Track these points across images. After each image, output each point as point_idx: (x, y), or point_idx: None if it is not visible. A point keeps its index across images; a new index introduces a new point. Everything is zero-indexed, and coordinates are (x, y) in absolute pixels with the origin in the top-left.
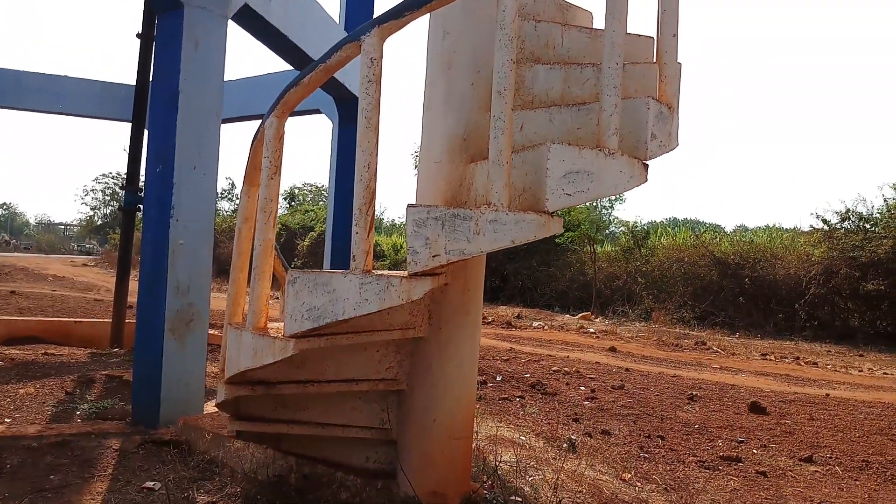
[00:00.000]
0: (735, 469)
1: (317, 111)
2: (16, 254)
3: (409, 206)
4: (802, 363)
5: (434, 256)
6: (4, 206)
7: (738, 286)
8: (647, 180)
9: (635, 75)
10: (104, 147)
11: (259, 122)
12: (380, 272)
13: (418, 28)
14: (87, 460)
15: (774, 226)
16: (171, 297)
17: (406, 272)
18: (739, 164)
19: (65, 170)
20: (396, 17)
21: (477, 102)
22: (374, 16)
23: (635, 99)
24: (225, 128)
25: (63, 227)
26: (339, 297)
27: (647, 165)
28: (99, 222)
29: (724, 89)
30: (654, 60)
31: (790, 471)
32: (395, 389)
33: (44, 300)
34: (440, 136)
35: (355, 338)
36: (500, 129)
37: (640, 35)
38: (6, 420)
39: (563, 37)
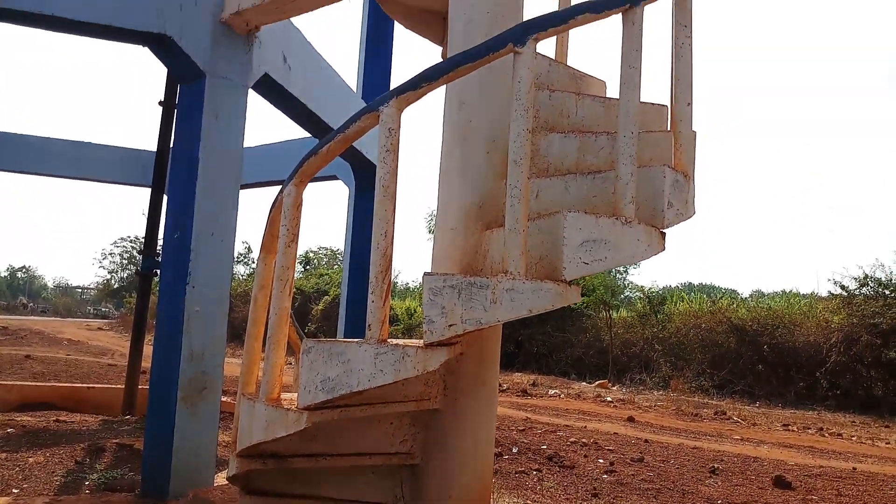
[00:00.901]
0: None
1: (333, 177)
2: (33, 317)
3: (426, 274)
4: (826, 434)
5: (450, 326)
6: (24, 270)
7: (757, 353)
8: (664, 249)
9: (650, 143)
10: (123, 211)
11: (277, 187)
12: (395, 342)
13: (435, 97)
14: None
15: (791, 291)
16: (184, 364)
17: (421, 341)
18: (754, 228)
19: (84, 233)
20: (414, 89)
21: (492, 171)
22: (391, 84)
23: (651, 167)
24: (242, 193)
25: (80, 290)
26: (353, 367)
27: (665, 234)
28: (116, 286)
29: (737, 153)
30: (669, 128)
31: None
32: (410, 463)
33: (58, 365)
34: (456, 204)
35: (370, 409)
36: (517, 197)
37: (653, 103)
38: (14, 490)
39: (577, 106)
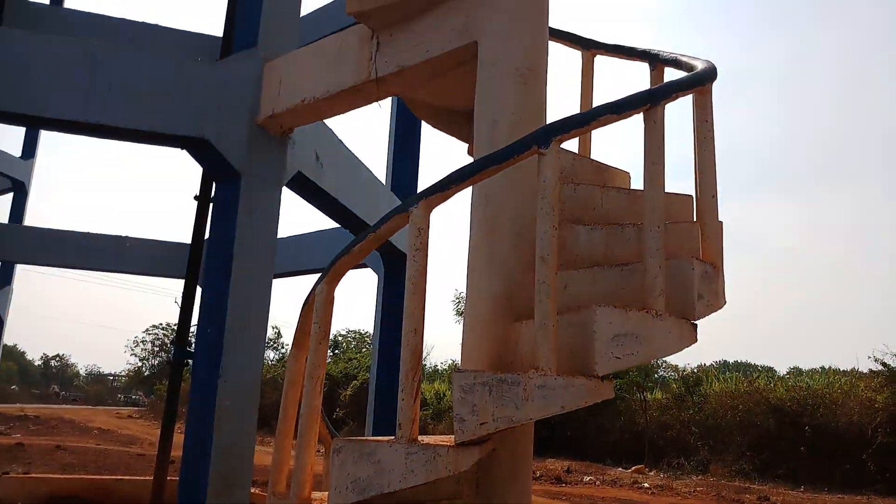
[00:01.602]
0: None
1: (363, 266)
2: (64, 405)
3: (456, 371)
4: None
5: (482, 424)
6: (57, 358)
7: (799, 435)
8: (696, 340)
9: (677, 234)
10: (155, 299)
11: (307, 276)
12: (426, 440)
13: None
14: None
15: (830, 368)
16: (215, 459)
17: (452, 438)
18: (789, 304)
19: (116, 322)
20: (442, 191)
21: (520, 264)
22: (420, 175)
23: (680, 260)
24: (274, 282)
25: (112, 377)
26: (384, 468)
27: (696, 325)
28: (147, 373)
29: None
30: (694, 218)
31: None
32: None
33: (87, 455)
34: (485, 297)
35: None
36: (545, 293)
37: (678, 194)
38: None
39: (602, 198)
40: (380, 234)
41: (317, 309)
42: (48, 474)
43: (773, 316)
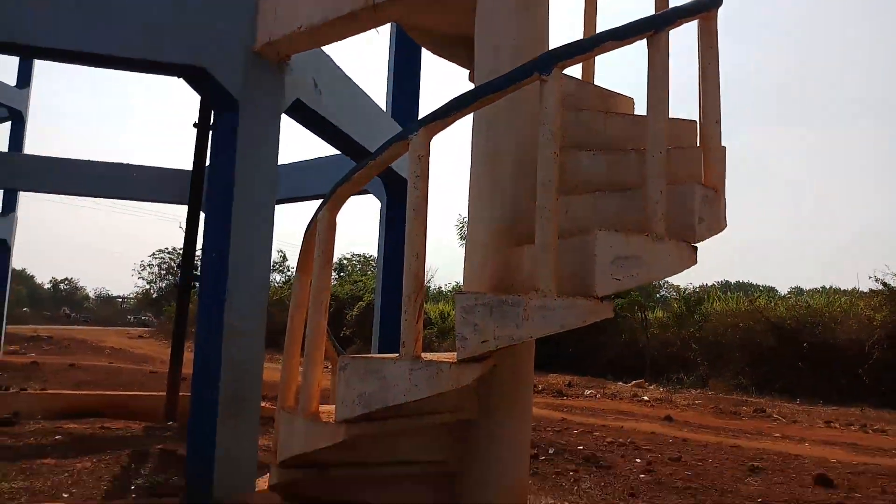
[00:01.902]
0: None
1: (365, 192)
2: (76, 326)
3: (457, 293)
4: (870, 431)
5: (483, 342)
6: (66, 282)
7: (797, 351)
8: (696, 262)
9: (680, 159)
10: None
11: (310, 202)
12: (429, 357)
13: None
14: None
15: (831, 288)
16: (224, 377)
17: (455, 356)
18: (792, 224)
19: (123, 245)
20: (442, 118)
21: (521, 190)
22: (420, 101)
23: (681, 185)
24: (277, 207)
25: (121, 300)
26: (389, 383)
27: (696, 247)
28: (154, 296)
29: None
30: (698, 144)
31: None
32: (447, 472)
33: (101, 373)
34: (487, 221)
35: (406, 422)
36: (546, 218)
37: (683, 119)
38: (64, 495)
39: (605, 124)
40: (380, 161)
41: (319, 235)
42: (64, 390)
43: (776, 238)
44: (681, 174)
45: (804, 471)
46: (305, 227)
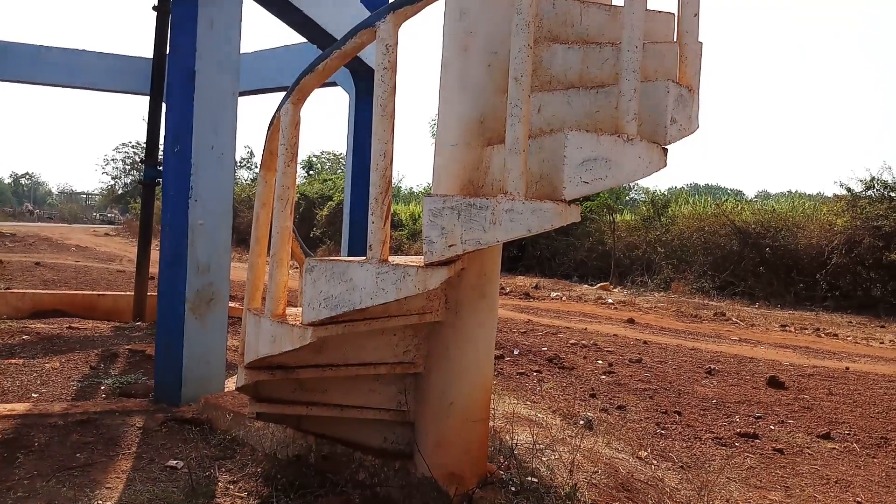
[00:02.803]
0: (752, 446)
1: (333, 84)
2: (39, 223)
3: (426, 196)
4: (823, 335)
5: (450, 246)
6: (27, 176)
7: (759, 256)
8: (666, 165)
9: (655, 55)
10: (123, 117)
11: (275, 93)
12: (396, 261)
13: (436, 6)
14: (111, 438)
15: (797, 192)
16: (191, 276)
17: (422, 259)
18: (762, 127)
19: (86, 140)
20: (412, 3)
21: (493, 85)
22: None
23: (655, 82)
24: (242, 100)
25: (85, 196)
26: (356, 286)
27: (667, 150)
28: (120, 191)
29: (746, 51)
30: (675, 39)
31: (807, 448)
32: (413, 372)
33: (67, 272)
34: (456, 120)
35: (372, 324)
36: (517, 116)
37: (659, 11)
38: (33, 395)
39: (581, 15)
40: (346, 50)
41: (283, 130)
42: (30, 289)
43: (747, 139)
44: (656, 71)
45: (758, 373)
46: (268, 122)
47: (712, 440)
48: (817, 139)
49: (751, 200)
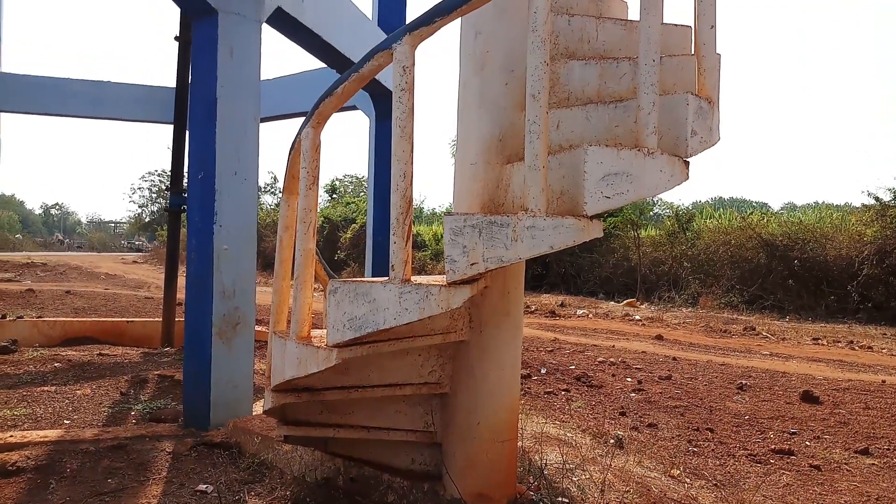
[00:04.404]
0: (787, 463)
1: (353, 108)
2: (69, 253)
3: (447, 214)
4: (856, 347)
5: (472, 265)
6: (57, 207)
7: (788, 268)
8: (688, 178)
9: (673, 68)
10: (149, 146)
11: (296, 118)
12: (419, 281)
13: (451, 26)
14: (142, 463)
15: (823, 203)
16: (217, 301)
17: (444, 279)
18: (786, 138)
19: (113, 170)
20: (427, 24)
21: (511, 102)
22: (407, 8)
23: (674, 95)
24: (264, 126)
25: (113, 225)
26: (379, 306)
27: (688, 163)
28: (147, 219)
29: (768, 62)
30: (692, 52)
31: (845, 464)
32: (439, 392)
33: (97, 299)
34: (475, 138)
35: (397, 344)
36: (536, 133)
37: (676, 25)
38: (66, 422)
39: (597, 30)
40: (363, 73)
41: (304, 153)
42: (61, 318)
43: (771, 150)
44: (675, 84)
45: (791, 388)
46: (289, 146)
47: (746, 457)
48: (843, 149)
49: (777, 212)
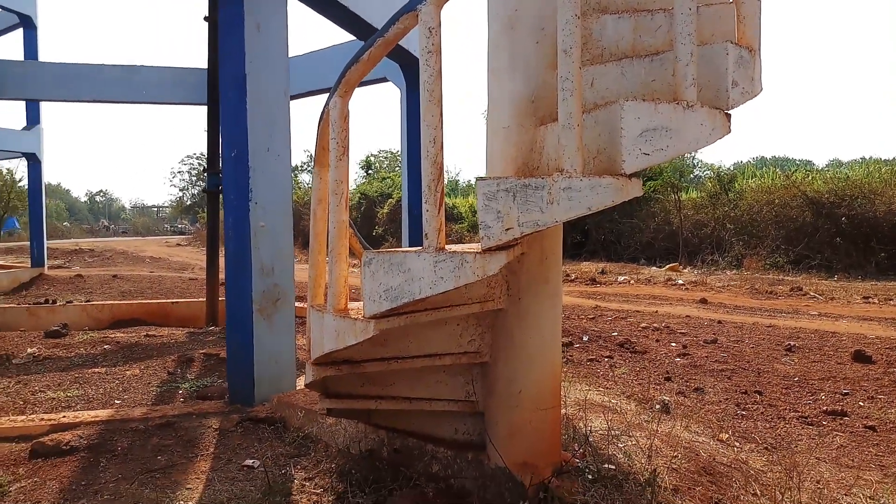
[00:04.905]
0: (840, 424)
1: (384, 80)
2: (115, 238)
3: (479, 179)
4: None
5: (507, 230)
6: (102, 194)
7: (835, 226)
8: (730, 131)
9: (710, 17)
10: (188, 129)
11: (328, 94)
12: (453, 249)
13: None
14: (189, 440)
15: (871, 158)
16: (256, 278)
17: (479, 246)
18: (829, 94)
19: (154, 154)
20: None
21: (543, 61)
22: None
23: (713, 45)
24: (297, 103)
25: (156, 209)
26: (414, 276)
27: (730, 115)
28: (188, 202)
29: (806, 13)
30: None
31: None
32: (479, 362)
33: (143, 282)
34: (507, 100)
35: (434, 314)
36: (569, 90)
37: None
38: (116, 401)
39: None
40: (388, 38)
41: (333, 124)
42: (109, 301)
43: (814, 106)
44: (713, 34)
45: (841, 348)
46: (319, 116)
47: (797, 419)
48: (891, 100)
49: (822, 170)
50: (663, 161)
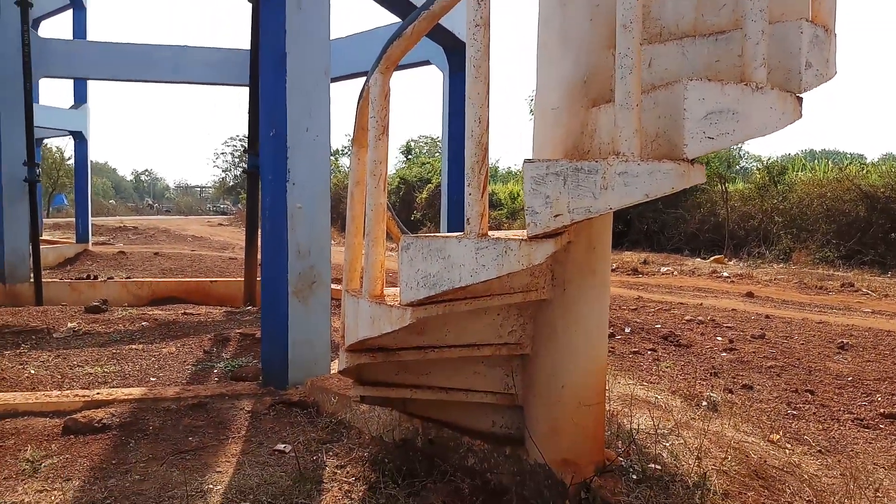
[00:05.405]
0: None
1: (426, 62)
2: (159, 216)
3: (527, 161)
4: None
5: (556, 217)
6: (147, 173)
7: (890, 221)
8: (801, 116)
9: None
10: (234, 110)
11: (369, 72)
12: (497, 235)
13: None
14: (221, 422)
15: None
16: (293, 260)
17: (524, 233)
18: (881, 86)
19: (199, 135)
20: None
21: (597, 39)
22: None
23: (785, 23)
24: (338, 86)
25: (199, 189)
26: (454, 263)
27: (801, 99)
28: (231, 183)
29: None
30: None
31: None
32: (519, 354)
33: (183, 260)
34: (557, 80)
35: (474, 303)
36: (628, 67)
37: None
38: (151, 379)
39: None
40: (434, 10)
41: (373, 101)
42: (148, 278)
43: (865, 98)
44: (784, 13)
45: None
46: (358, 95)
47: (852, 421)
48: None
49: (875, 163)
50: (727, 147)
